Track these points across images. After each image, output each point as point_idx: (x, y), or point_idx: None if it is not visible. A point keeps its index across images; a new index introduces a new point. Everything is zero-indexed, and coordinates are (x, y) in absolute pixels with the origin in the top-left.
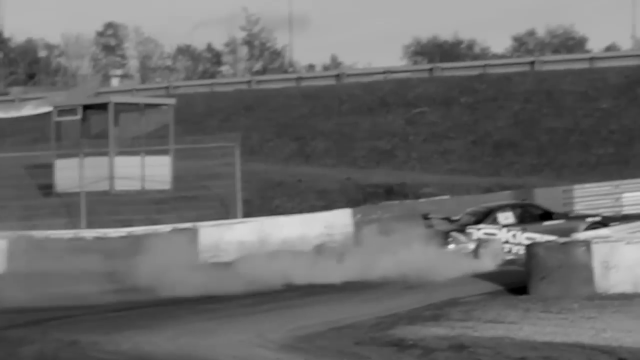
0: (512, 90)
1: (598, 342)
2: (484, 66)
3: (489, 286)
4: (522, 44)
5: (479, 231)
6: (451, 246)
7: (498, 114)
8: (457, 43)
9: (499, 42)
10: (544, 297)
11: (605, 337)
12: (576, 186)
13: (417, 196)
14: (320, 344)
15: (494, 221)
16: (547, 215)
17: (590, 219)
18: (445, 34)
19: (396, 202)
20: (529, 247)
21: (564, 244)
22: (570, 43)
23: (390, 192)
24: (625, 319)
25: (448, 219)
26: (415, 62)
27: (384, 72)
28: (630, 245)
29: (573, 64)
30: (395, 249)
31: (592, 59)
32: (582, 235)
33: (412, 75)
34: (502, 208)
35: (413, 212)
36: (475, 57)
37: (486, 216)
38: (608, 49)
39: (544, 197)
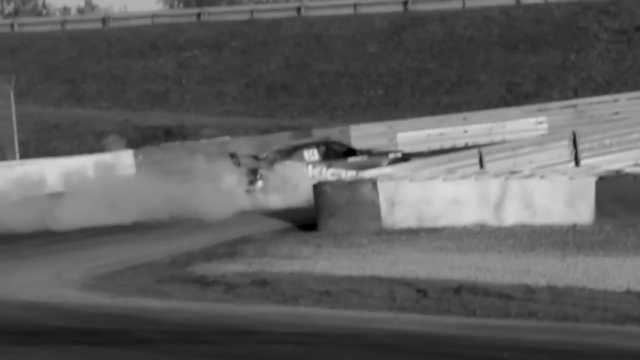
0: (282, 35)
1: (394, 274)
2: (252, 11)
3: (279, 223)
4: None
5: (286, 168)
6: (259, 183)
7: (269, 57)
8: None
9: None
10: (334, 233)
11: (398, 269)
12: (352, 126)
13: (197, 137)
14: (121, 282)
15: (300, 158)
16: (352, 152)
17: (392, 155)
18: None
19: (177, 143)
20: (316, 186)
21: (351, 182)
22: None
23: (169, 134)
24: (414, 252)
25: (255, 157)
26: (172, 6)
27: (151, 16)
28: (414, 182)
29: (339, 10)
30: (175, 187)
31: (356, 4)
32: (367, 173)
33: (180, 19)
34: (308, 145)
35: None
36: (234, 1)
37: (292, 153)
38: None
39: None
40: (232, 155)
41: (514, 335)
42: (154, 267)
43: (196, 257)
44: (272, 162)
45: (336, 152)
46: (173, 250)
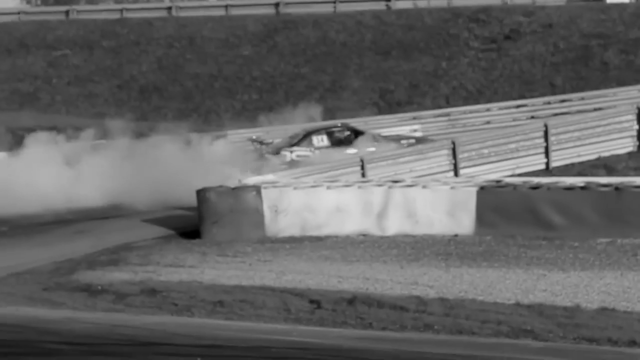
0: (154, 36)
1: (284, 284)
2: (122, 10)
3: (161, 230)
4: None
5: (292, 153)
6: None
7: (141, 58)
8: None
9: None
10: (217, 241)
11: (287, 279)
12: (230, 132)
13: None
14: (6, 290)
15: (309, 144)
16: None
17: (404, 141)
18: None
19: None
20: (199, 192)
21: (234, 188)
22: None
23: None
24: (300, 262)
25: (260, 142)
26: (29, 2)
27: (18, 13)
28: (298, 190)
29: (210, 11)
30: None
31: (227, 6)
32: (251, 180)
33: (48, 17)
34: (318, 131)
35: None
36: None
37: (302, 139)
38: None
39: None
40: (254, 141)
41: (414, 349)
42: (37, 275)
43: (79, 265)
44: (279, 148)
45: (348, 138)
46: (55, 257)
